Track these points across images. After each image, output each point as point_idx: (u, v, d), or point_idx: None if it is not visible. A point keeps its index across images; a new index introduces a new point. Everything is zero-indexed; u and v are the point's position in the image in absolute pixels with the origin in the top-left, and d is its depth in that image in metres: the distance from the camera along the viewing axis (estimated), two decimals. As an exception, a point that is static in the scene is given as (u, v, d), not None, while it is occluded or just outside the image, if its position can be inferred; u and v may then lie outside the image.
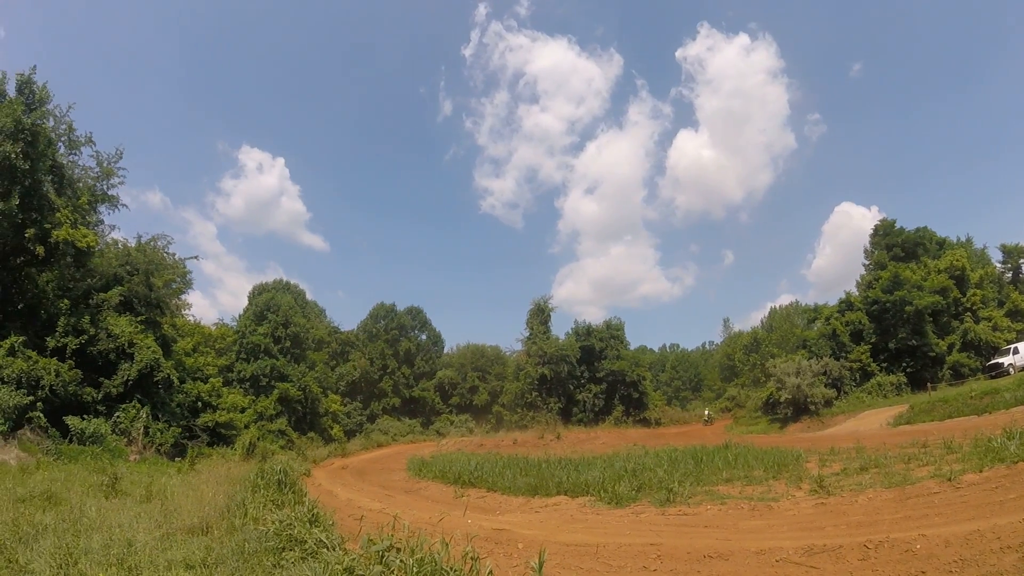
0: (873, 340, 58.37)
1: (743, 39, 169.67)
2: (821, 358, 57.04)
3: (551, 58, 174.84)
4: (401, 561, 6.59)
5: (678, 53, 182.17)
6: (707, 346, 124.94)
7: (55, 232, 33.45)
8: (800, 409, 54.21)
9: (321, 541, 8.18)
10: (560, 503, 17.55)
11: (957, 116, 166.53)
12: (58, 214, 34.02)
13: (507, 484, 21.53)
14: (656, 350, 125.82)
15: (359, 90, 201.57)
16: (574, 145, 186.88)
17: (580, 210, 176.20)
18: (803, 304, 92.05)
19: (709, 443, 30.18)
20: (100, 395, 34.57)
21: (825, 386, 54.43)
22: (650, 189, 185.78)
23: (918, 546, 8.62)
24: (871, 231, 72.83)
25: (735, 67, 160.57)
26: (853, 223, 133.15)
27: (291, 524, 9.13)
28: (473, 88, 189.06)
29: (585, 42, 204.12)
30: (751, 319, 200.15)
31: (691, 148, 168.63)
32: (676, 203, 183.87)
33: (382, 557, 6.80)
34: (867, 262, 71.46)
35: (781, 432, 51.45)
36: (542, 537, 12.05)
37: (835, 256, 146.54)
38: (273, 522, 9.45)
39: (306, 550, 8.04)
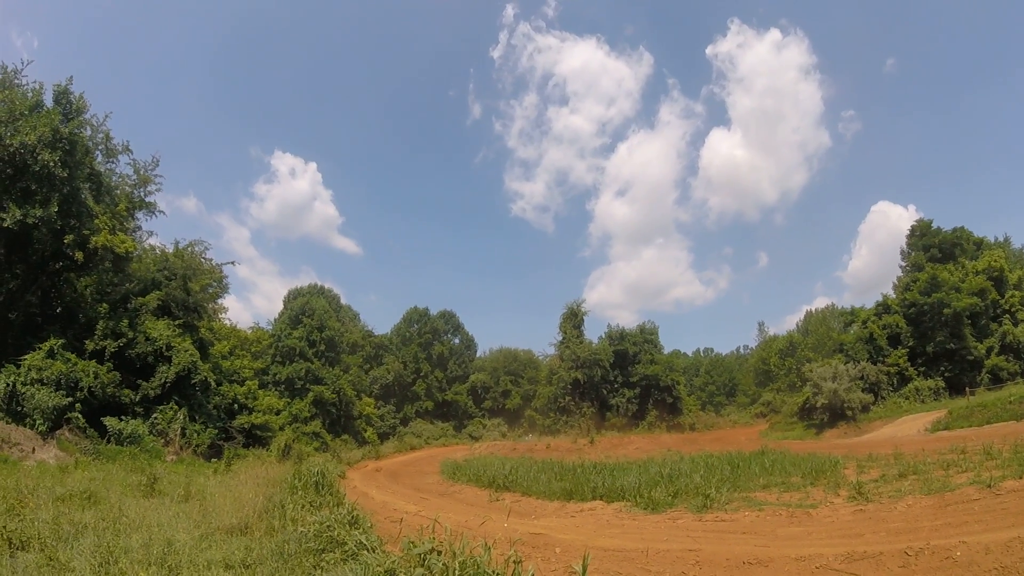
0: (911, 344, 57.50)
1: (774, 35, 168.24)
2: (858, 362, 56.26)
3: (580, 59, 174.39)
4: (444, 564, 6.59)
5: (708, 50, 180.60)
6: (741, 350, 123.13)
7: (94, 238, 34.29)
8: (837, 414, 53.38)
9: (361, 543, 8.20)
10: (596, 508, 17.35)
11: (994, 111, 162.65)
12: (96, 220, 34.87)
13: (542, 488, 21.37)
14: (690, 354, 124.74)
15: (389, 94, 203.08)
16: (605, 147, 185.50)
17: (611, 213, 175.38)
18: (839, 307, 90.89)
19: (745, 449, 29.81)
20: (138, 397, 35.18)
21: (862, 391, 53.62)
22: (682, 190, 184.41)
23: (958, 553, 8.47)
24: (907, 232, 71.64)
25: (767, 64, 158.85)
26: (890, 223, 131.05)
27: (331, 526, 9.17)
28: (502, 90, 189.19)
29: (614, 42, 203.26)
30: (786, 323, 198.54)
31: (724, 148, 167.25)
32: (709, 204, 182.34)
33: (424, 560, 6.79)
34: (904, 264, 70.32)
35: (817, 438, 50.68)
36: (579, 542, 12.02)
37: (871, 257, 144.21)
38: (312, 523, 9.51)
39: (346, 552, 8.07)
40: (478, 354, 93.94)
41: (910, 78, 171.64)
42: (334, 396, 64.31)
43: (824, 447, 34.13)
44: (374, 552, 8.00)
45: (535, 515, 17.29)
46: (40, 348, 31.25)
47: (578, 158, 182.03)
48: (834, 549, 9.73)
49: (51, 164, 31.25)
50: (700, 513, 14.65)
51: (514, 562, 6.99)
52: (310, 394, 62.10)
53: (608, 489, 19.06)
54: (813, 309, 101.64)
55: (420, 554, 7.08)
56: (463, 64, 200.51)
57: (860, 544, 9.96)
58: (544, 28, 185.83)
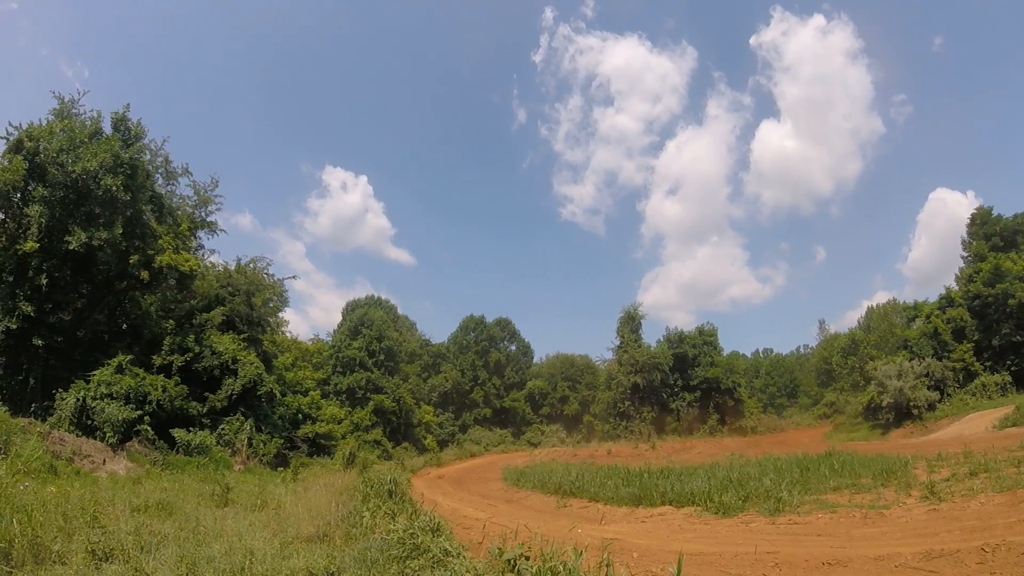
0: (976, 338, 55.69)
1: (818, 20, 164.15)
2: (923, 359, 54.74)
3: (623, 57, 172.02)
4: (536, 570, 6.39)
5: (752, 40, 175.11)
6: (802, 349, 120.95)
7: (158, 258, 35.55)
8: (902, 414, 52.08)
9: (446, 550, 8.08)
10: (666, 513, 17.29)
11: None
12: (160, 241, 36.29)
13: (609, 494, 21.24)
14: (749, 355, 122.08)
15: (434, 104, 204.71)
16: (653, 145, 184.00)
17: (663, 212, 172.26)
18: (901, 301, 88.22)
19: (810, 451, 29.17)
20: (205, 409, 36.12)
21: (928, 388, 52.19)
22: (734, 186, 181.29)
23: (1035, 548, 8.48)
24: (967, 220, 68.98)
25: (812, 51, 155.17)
26: (949, 210, 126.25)
27: (414, 533, 9.08)
28: (546, 94, 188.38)
29: (656, 37, 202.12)
30: (847, 319, 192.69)
31: (774, 140, 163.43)
32: (762, 199, 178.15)
33: (514, 565, 6.62)
34: (965, 253, 67.49)
35: (883, 438, 49.48)
36: (655, 546, 11.99)
37: (932, 247, 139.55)
38: (395, 531, 9.41)
39: (431, 559, 7.95)
40: (535, 360, 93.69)
41: (959, 56, 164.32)
42: (394, 405, 64.99)
43: (891, 447, 33.69)
44: (458, 558, 7.85)
45: (605, 521, 17.19)
46: (108, 364, 32.13)
47: (626, 158, 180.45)
48: (911, 548, 9.83)
49: (114, 188, 32.32)
50: (772, 516, 14.66)
51: (606, 565, 6.82)
52: (371, 403, 62.85)
53: (677, 494, 18.97)
54: (874, 304, 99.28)
55: (510, 559, 6.89)
56: (506, 70, 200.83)
57: (936, 543, 10.02)
58: (584, 29, 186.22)
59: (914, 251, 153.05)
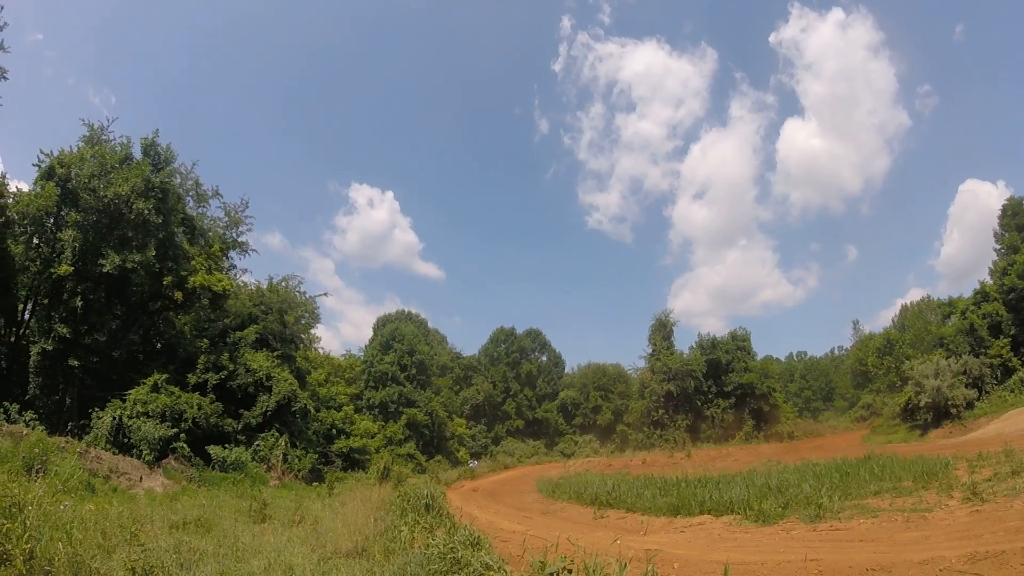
0: (1012, 332, 54.32)
1: (837, 15, 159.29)
2: (960, 356, 53.54)
3: (642, 62, 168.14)
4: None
5: (772, 38, 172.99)
6: (837, 351, 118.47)
7: (191, 279, 36.02)
8: (941, 413, 50.89)
9: (487, 564, 7.93)
10: (704, 522, 17.06)
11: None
12: (192, 262, 36.84)
13: (647, 504, 21.07)
14: (783, 359, 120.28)
15: (456, 118, 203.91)
16: (677, 150, 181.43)
17: (690, 217, 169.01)
18: (935, 298, 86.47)
19: (848, 455, 28.72)
20: (240, 425, 36.53)
21: (965, 386, 50.93)
22: (762, 187, 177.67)
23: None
24: (999, 211, 67.32)
25: (833, 46, 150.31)
26: (980, 202, 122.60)
27: (453, 547, 8.96)
28: (567, 103, 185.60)
29: (675, 40, 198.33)
30: (881, 319, 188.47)
31: (800, 139, 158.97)
32: (791, 200, 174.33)
33: (556, 579, 6.47)
34: (998, 246, 65.85)
35: (922, 439, 48.52)
36: (696, 556, 11.84)
37: (964, 241, 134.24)
38: (434, 546, 9.29)
39: (472, 573, 7.80)
40: (566, 371, 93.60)
41: (982, 43, 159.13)
42: (426, 418, 65.31)
43: (931, 448, 33.33)
44: (499, 572, 7.71)
45: (643, 531, 16.95)
46: (144, 383, 32.65)
47: (651, 164, 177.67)
48: (955, 551, 9.64)
49: (146, 212, 33.15)
50: (813, 523, 14.50)
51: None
52: (403, 417, 63.23)
53: (715, 502, 18.81)
54: (908, 303, 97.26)
55: (552, 573, 6.74)
56: (526, 80, 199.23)
57: (980, 544, 9.83)
58: (602, 36, 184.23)
59: (946, 246, 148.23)
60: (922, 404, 51.95)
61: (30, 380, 33.94)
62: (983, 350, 54.46)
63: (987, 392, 51.93)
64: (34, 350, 33.45)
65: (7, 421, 25.64)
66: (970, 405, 50.16)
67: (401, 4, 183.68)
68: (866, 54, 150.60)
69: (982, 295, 58.84)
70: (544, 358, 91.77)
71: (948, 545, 10.26)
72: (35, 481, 10.93)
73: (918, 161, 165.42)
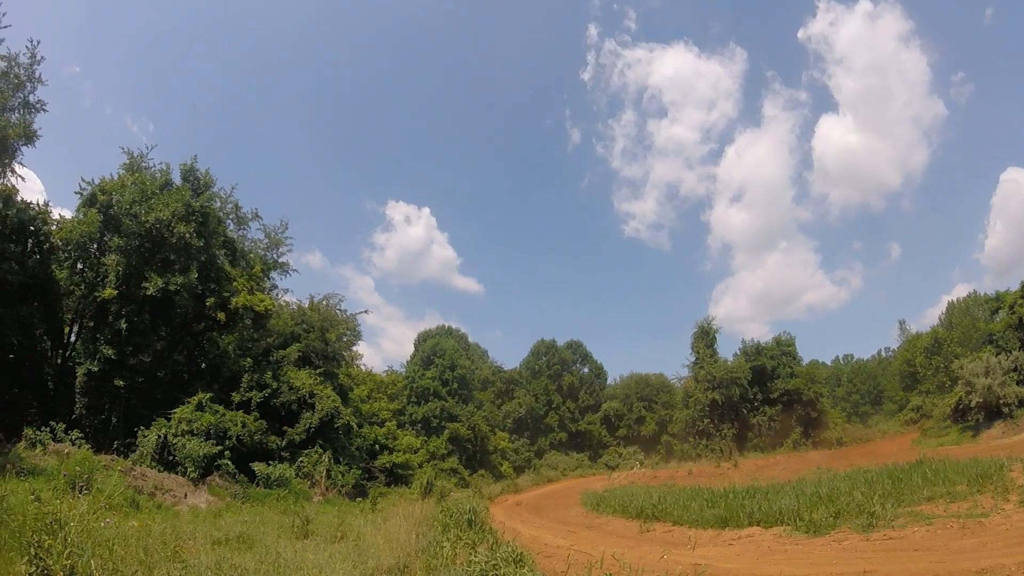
0: (1063, 324, 52.46)
1: (865, 6, 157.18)
2: (1010, 352, 51.88)
3: (672, 66, 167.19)
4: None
5: (800, 34, 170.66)
6: (884, 353, 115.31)
7: (234, 300, 36.66)
8: (993, 413, 49.35)
9: (530, 581, 7.76)
10: (754, 535, 16.79)
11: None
12: (235, 283, 37.60)
13: (693, 517, 20.72)
14: (829, 363, 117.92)
15: (489, 132, 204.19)
16: (712, 153, 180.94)
17: (728, 221, 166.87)
18: (982, 293, 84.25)
19: (900, 460, 28.00)
20: (284, 442, 37.03)
21: (1017, 384, 49.20)
22: (799, 187, 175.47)
23: None
24: (1042, 199, 65.50)
25: (863, 39, 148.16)
26: (1022, 191, 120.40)
27: (496, 564, 8.79)
28: (598, 112, 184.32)
29: (703, 42, 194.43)
30: (927, 317, 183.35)
31: (836, 135, 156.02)
32: (830, 199, 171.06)
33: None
34: (1045, 235, 64.34)
35: (975, 441, 47.23)
36: (745, 570, 11.81)
37: (1008, 232, 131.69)
38: (476, 562, 9.12)
39: (514, 590, 7.63)
40: (608, 382, 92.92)
41: (1014, 26, 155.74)
42: (469, 432, 65.36)
43: (984, 450, 32.90)
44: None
45: (691, 545, 16.57)
46: (189, 402, 33.23)
47: (686, 169, 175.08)
48: (1014, 558, 9.49)
49: (187, 235, 33.93)
50: (866, 532, 14.22)
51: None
52: (446, 431, 63.35)
53: (764, 513, 18.45)
54: (954, 299, 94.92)
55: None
56: (556, 91, 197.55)
57: None
58: (630, 42, 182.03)
59: (990, 238, 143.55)
60: (973, 404, 50.59)
61: (76, 400, 34.79)
62: (1034, 344, 52.74)
63: (1039, 388, 50.30)
64: (80, 371, 34.33)
65: (53, 440, 26.29)
66: (1022, 403, 48.64)
67: (430, 24, 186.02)
68: (897, 44, 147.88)
69: (1030, 287, 56.91)
70: (585, 370, 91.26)
71: (1006, 552, 10.06)
72: (79, 498, 10.99)
73: (957, 152, 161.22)
